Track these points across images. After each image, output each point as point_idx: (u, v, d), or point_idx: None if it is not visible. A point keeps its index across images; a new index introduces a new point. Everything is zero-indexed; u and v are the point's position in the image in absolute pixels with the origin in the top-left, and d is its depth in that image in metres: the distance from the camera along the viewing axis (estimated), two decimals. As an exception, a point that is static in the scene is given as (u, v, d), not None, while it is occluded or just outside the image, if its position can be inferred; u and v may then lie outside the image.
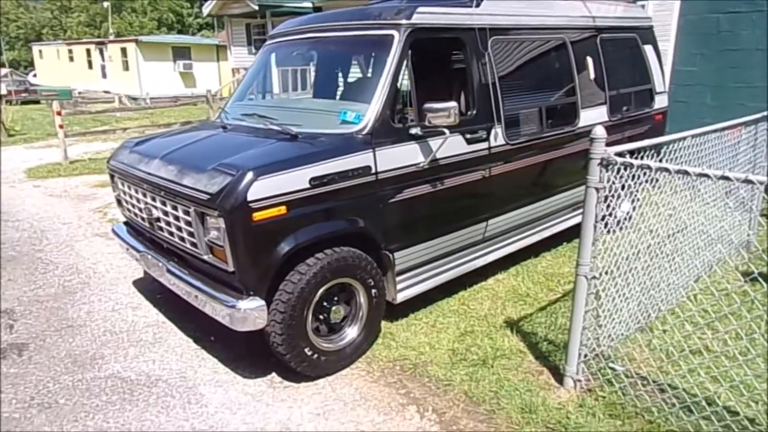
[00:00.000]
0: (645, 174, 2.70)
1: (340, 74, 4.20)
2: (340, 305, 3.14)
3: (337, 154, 2.97)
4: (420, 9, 3.36)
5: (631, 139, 5.22)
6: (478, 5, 3.76)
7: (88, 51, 28.28)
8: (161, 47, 25.27)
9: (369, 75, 3.65)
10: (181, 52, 25.64)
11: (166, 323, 3.80)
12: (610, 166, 2.45)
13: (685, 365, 2.89)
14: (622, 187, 5.46)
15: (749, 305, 3.32)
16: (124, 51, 25.21)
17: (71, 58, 29.11)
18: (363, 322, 3.22)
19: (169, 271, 3.22)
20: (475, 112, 3.66)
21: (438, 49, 3.61)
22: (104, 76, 27.13)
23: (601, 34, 4.83)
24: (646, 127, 5.47)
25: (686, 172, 2.38)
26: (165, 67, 24.93)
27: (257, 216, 2.68)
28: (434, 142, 3.34)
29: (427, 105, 3.14)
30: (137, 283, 4.48)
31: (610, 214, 4.91)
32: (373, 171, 3.11)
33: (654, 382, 2.79)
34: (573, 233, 4.95)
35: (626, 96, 5.13)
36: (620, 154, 2.51)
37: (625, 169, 2.58)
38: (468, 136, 3.58)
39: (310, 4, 16.00)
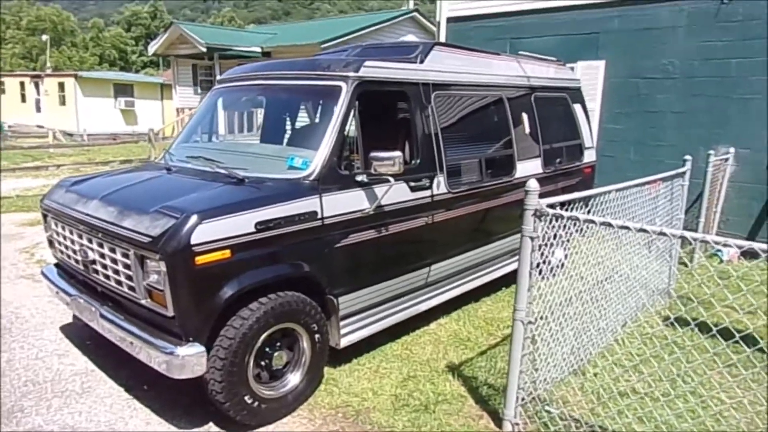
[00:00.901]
0: (574, 224, 2.90)
1: (287, 121, 4.29)
2: (282, 351, 3.10)
3: (284, 198, 3.01)
4: (367, 63, 3.53)
5: (564, 191, 5.60)
6: (422, 62, 3.99)
7: (22, 84, 27.16)
8: (102, 83, 24.64)
9: (317, 123, 3.76)
10: (123, 89, 25.08)
11: (95, 371, 3.60)
12: (543, 217, 2.62)
13: (614, 407, 3.04)
14: (554, 236, 5.78)
15: (669, 348, 3.55)
16: (61, 86, 24.38)
17: (2, 90, 27.82)
18: (306, 368, 3.19)
19: (102, 316, 3.09)
20: (418, 161, 3.82)
21: (383, 100, 3.77)
22: (38, 110, 26.04)
23: (535, 93, 5.20)
24: (576, 179, 5.85)
25: (609, 224, 2.59)
26: (105, 104, 24.25)
27: (200, 260, 2.65)
28: (379, 189, 3.44)
29: (373, 153, 3.26)
30: (65, 329, 4.24)
31: (545, 261, 5.16)
32: (320, 216, 3.16)
33: (586, 423, 2.90)
34: (511, 279, 5.16)
35: (558, 150, 5.49)
36: (552, 206, 2.69)
37: (556, 220, 2.76)
38: (412, 184, 3.72)
39: (258, 49, 16.23)
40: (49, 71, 28.74)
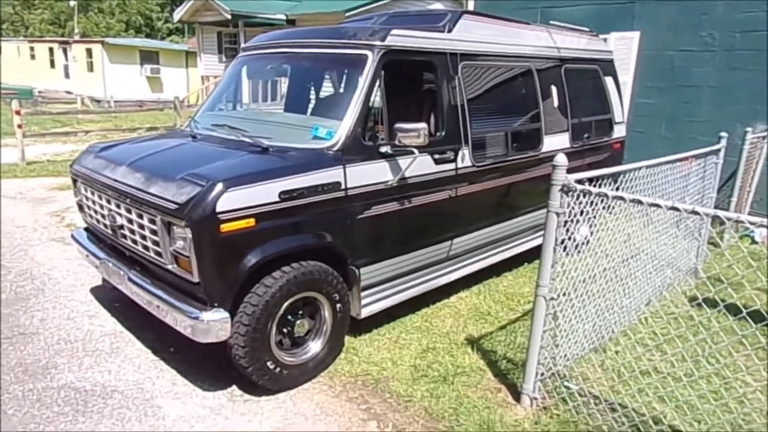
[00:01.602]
0: (602, 201, 2.84)
1: (312, 90, 4.26)
2: (304, 319, 3.15)
3: (308, 169, 3.01)
4: (394, 31, 3.46)
5: (590, 166, 5.43)
6: (450, 31, 3.90)
7: (51, 50, 27.45)
8: (128, 50, 24.76)
9: (342, 92, 3.71)
10: (148, 56, 25.18)
11: (123, 333, 3.72)
12: (571, 193, 2.56)
13: (635, 385, 3.02)
14: (581, 213, 5.69)
15: (695, 329, 3.50)
16: (89, 52, 24.58)
17: (33, 56, 28.18)
18: (327, 336, 3.24)
19: (130, 279, 3.17)
20: (443, 133, 3.77)
21: (409, 70, 3.70)
22: (67, 76, 26.35)
23: (566, 64, 5.04)
24: (605, 155, 5.71)
25: (639, 201, 2.52)
26: (131, 71, 24.41)
27: (225, 228, 2.68)
28: (403, 161, 3.41)
29: (398, 125, 3.22)
30: (95, 291, 4.37)
31: (569, 238, 5.10)
32: (343, 187, 3.16)
33: (606, 401, 2.90)
34: (533, 254, 5.12)
35: (587, 124, 5.35)
36: (580, 182, 2.64)
37: (584, 196, 2.71)
38: (436, 156, 3.68)
39: (283, 17, 16.05)
40: (76, 37, 28.97)
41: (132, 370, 3.26)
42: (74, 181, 3.78)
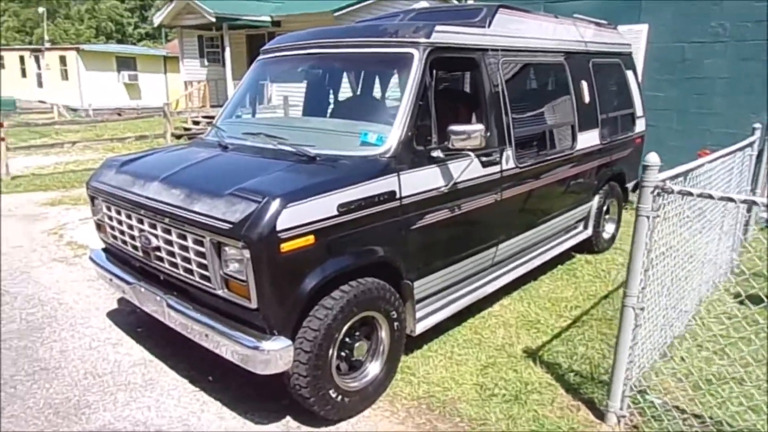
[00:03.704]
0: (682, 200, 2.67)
1: (351, 93, 4.00)
2: (362, 341, 2.91)
3: (364, 178, 2.77)
4: (438, 27, 3.24)
5: (616, 162, 5.35)
6: (489, 25, 3.69)
7: (22, 58, 26.52)
8: (104, 56, 24.00)
9: (388, 94, 3.48)
10: (125, 63, 24.45)
11: (153, 361, 3.43)
12: (664, 194, 2.38)
13: (716, 395, 2.86)
14: (607, 211, 5.51)
15: (754, 328, 3.35)
16: (63, 59, 23.77)
17: (2, 65, 27.19)
18: (385, 357, 3.01)
19: (170, 306, 2.88)
20: (489, 134, 3.56)
21: (454, 68, 3.50)
22: (40, 85, 25.48)
23: (593, 59, 4.89)
24: (629, 150, 5.60)
25: (731, 199, 2.35)
26: (108, 78, 23.67)
27: (285, 247, 2.43)
28: (455, 166, 3.20)
29: (452, 127, 3.01)
30: (112, 316, 4.06)
31: (599, 234, 4.91)
32: (398, 196, 2.93)
33: (694, 415, 2.72)
34: (564, 256, 4.97)
35: (614, 120, 5.22)
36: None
37: (662, 196, 2.51)
38: (483, 159, 3.47)
39: (268, 19, 15.69)
40: (48, 45, 28.05)
41: (173, 405, 2.98)
42: (92, 199, 3.47)
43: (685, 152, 7.26)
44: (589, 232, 5.11)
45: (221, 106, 16.56)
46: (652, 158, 2.35)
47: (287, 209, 2.43)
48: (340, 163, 2.88)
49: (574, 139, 4.50)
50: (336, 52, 3.52)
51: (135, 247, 3.11)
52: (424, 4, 16.36)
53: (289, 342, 2.52)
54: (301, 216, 2.48)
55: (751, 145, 4.69)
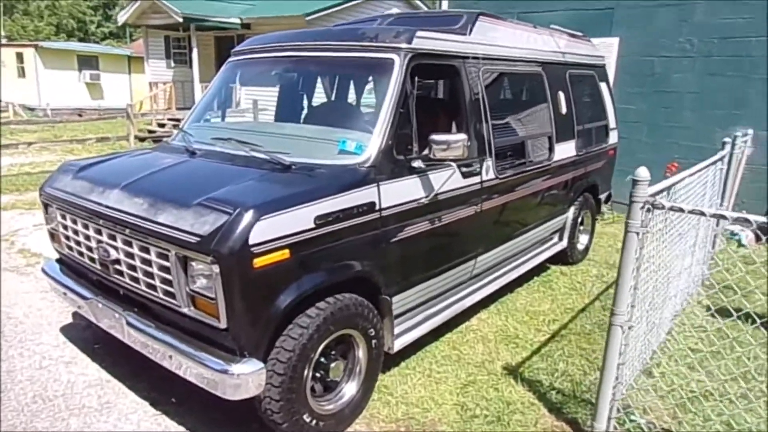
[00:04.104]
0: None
1: (327, 98, 3.84)
2: (338, 360, 2.75)
3: (343, 188, 2.62)
4: (419, 33, 3.13)
5: (591, 174, 5.36)
6: (470, 33, 3.61)
7: (-25, 54, 25.34)
8: (65, 54, 23.11)
9: (366, 101, 3.34)
10: (87, 61, 23.60)
11: (111, 382, 3.18)
12: (654, 210, 2.31)
13: (699, 413, 2.81)
14: (581, 222, 5.49)
15: (727, 342, 3.34)
16: (20, 56, 22.77)
17: (-47, 61, 25.91)
18: (362, 376, 2.85)
19: (129, 324, 2.66)
20: (470, 144, 3.46)
21: (435, 76, 3.39)
22: (-6, 82, 24.36)
23: (569, 70, 4.88)
24: (602, 162, 5.61)
25: (723, 217, 2.31)
26: (69, 77, 22.79)
27: (258, 262, 2.26)
28: (436, 176, 3.09)
29: (435, 137, 2.89)
30: (67, 331, 3.77)
31: (573, 246, 4.87)
32: (377, 208, 2.79)
33: (679, 434, 2.67)
34: (540, 267, 4.92)
35: (589, 131, 5.22)
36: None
37: (650, 211, 2.45)
38: (464, 169, 3.37)
39: (237, 21, 15.39)
40: (4, 41, 26.89)
41: (131, 430, 2.75)
42: (46, 206, 3.21)
43: (654, 165, 7.25)
44: (565, 243, 5.09)
45: (188, 108, 16.09)
46: (642, 173, 2.28)
47: (261, 222, 2.26)
48: (317, 172, 2.72)
49: (551, 150, 4.46)
50: (312, 55, 3.36)
51: (92, 260, 2.88)
52: (395, 11, 16.37)
53: (261, 365, 2.34)
54: (275, 229, 2.31)
55: (722, 159, 4.74)
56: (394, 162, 2.91)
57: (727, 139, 4.86)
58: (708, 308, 4.14)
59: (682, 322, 4.05)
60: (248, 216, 2.24)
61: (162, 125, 14.98)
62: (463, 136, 2.91)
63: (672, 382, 3.17)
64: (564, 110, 4.68)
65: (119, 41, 45.80)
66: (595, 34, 7.43)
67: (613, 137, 5.85)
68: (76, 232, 2.94)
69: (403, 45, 3.04)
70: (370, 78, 3.27)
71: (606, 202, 6.15)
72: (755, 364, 3.35)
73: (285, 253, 2.35)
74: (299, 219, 2.41)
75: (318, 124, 3.38)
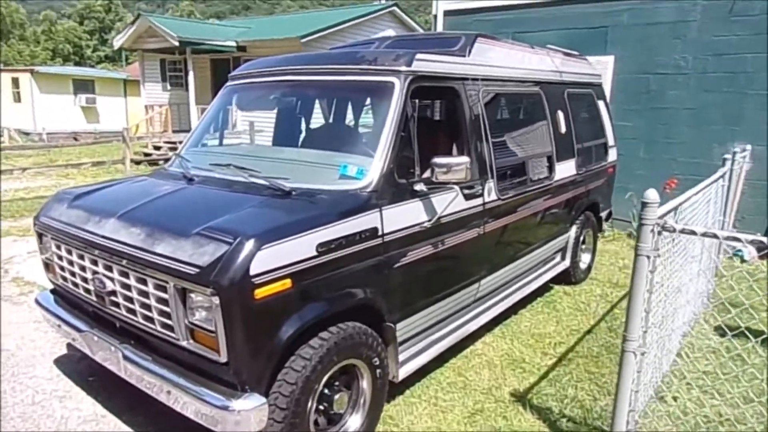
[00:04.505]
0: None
1: (326, 122, 3.81)
2: (342, 391, 2.66)
3: (345, 215, 2.57)
4: (419, 56, 3.10)
5: (591, 192, 5.32)
6: (468, 54, 3.60)
7: (-29, 80, 25.40)
8: (60, 79, 23.19)
9: (368, 124, 3.31)
10: (83, 85, 23.68)
11: (107, 417, 3.07)
12: (664, 233, 2.26)
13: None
14: (583, 241, 5.43)
15: (738, 364, 3.27)
16: (16, 81, 22.85)
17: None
18: (367, 407, 2.76)
19: (126, 358, 2.58)
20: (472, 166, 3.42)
21: (436, 98, 3.36)
22: (-10, 107, 24.38)
23: (567, 89, 4.87)
24: (602, 180, 5.59)
25: (736, 239, 2.25)
26: (64, 101, 22.83)
27: (260, 293, 2.19)
28: (438, 200, 3.04)
29: (437, 160, 2.85)
30: (61, 363, 3.67)
31: (576, 265, 4.81)
32: (380, 233, 2.73)
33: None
34: (543, 287, 4.85)
35: (589, 149, 5.20)
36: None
37: (660, 234, 2.40)
38: (466, 191, 3.32)
39: (233, 44, 15.50)
40: (1, 66, 26.99)
41: (128, 470, 2.65)
42: (40, 236, 3.14)
43: (652, 181, 7.34)
44: (567, 263, 5.03)
45: (184, 130, 16.11)
46: (652, 195, 2.23)
47: (262, 251, 2.19)
48: (318, 198, 2.67)
49: (552, 169, 4.43)
50: (311, 79, 3.33)
51: (88, 291, 2.80)
52: (390, 32, 16.53)
53: (264, 400, 2.26)
54: (277, 258, 2.25)
55: (723, 176, 4.72)
56: (395, 186, 2.86)
57: (727, 156, 4.84)
58: (716, 328, 4.10)
59: (690, 342, 3.98)
60: (249, 245, 2.18)
61: (158, 148, 14.96)
62: (465, 158, 2.87)
63: (686, 407, 3.08)
64: (563, 129, 4.67)
65: (115, 65, 46.12)
66: (590, 52, 7.47)
67: (612, 155, 5.84)
68: (71, 263, 2.87)
69: (403, 68, 3.01)
70: (370, 101, 3.24)
71: (607, 219, 6.11)
72: (768, 385, 3.28)
73: (286, 283, 2.28)
74: (301, 247, 2.35)
75: (318, 149, 3.33)
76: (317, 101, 3.81)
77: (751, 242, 2.03)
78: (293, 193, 2.70)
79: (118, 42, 16.23)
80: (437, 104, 3.49)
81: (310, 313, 2.38)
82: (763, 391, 3.22)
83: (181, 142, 14.48)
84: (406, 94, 2.97)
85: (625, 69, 7.37)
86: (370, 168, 2.79)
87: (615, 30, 7.38)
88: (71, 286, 2.95)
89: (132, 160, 10.55)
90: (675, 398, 3.21)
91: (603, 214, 5.79)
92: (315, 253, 2.39)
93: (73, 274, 2.89)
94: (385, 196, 2.78)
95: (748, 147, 6.52)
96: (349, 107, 3.81)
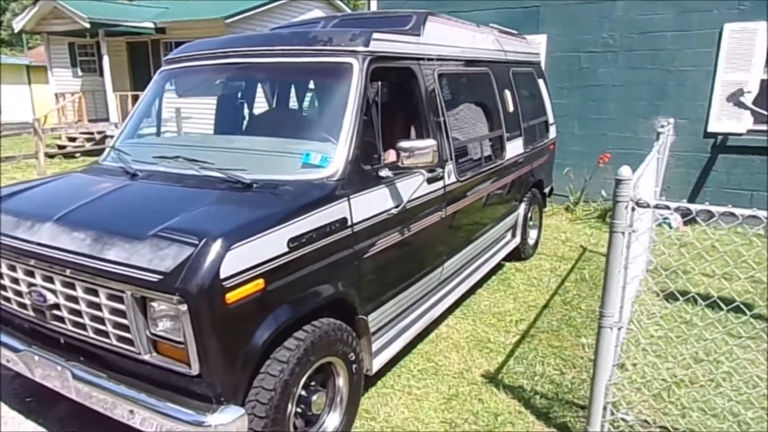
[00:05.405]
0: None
1: (278, 108, 3.58)
2: (320, 391, 2.54)
3: (313, 206, 2.42)
4: (376, 35, 2.97)
5: (537, 169, 5.43)
6: (422, 33, 3.50)
7: None
8: (-50, 66, 20.88)
9: (326, 109, 3.14)
10: (-22, 73, 21.44)
11: (52, 441, 2.78)
12: (640, 208, 2.29)
13: (676, 403, 2.87)
14: (531, 218, 5.54)
15: (685, 328, 3.46)
16: None
17: None
18: (344, 405, 2.66)
19: (76, 377, 2.31)
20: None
21: (393, 79, 3.24)
22: None
23: (512, 68, 4.90)
24: (545, 157, 5.72)
25: (710, 213, 2.32)
26: (-43, 90, 20.62)
27: (231, 297, 2.02)
28: (404, 185, 2.95)
29: (403, 144, 2.75)
30: (-9, 385, 3.28)
31: (525, 241, 4.91)
32: (349, 223, 2.61)
33: (662, 427, 2.69)
34: (496, 266, 4.91)
35: (533, 128, 5.29)
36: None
37: (634, 210, 2.44)
38: (428, 175, 3.25)
39: (151, 25, 14.49)
40: None
41: (86, 498, 2.40)
42: (-42, 247, 2.75)
43: (587, 157, 7.68)
44: (518, 240, 5.12)
45: (101, 120, 14.89)
46: (626, 172, 2.25)
47: (232, 251, 2.01)
48: (282, 189, 2.49)
49: (503, 148, 4.46)
50: (260, 61, 3.11)
51: (23, 306, 2.49)
52: (319, 12, 16.10)
53: (242, 411, 2.10)
54: (248, 258, 2.07)
55: (659, 149, 4.94)
56: (361, 173, 2.74)
57: (661, 129, 5.08)
58: (656, 294, 4.32)
59: (638, 310, 4.17)
60: (217, 246, 1.99)
61: (73, 139, 13.82)
62: (432, 141, 2.79)
63: (644, 373, 3.22)
64: (511, 108, 4.70)
65: (13, 50, 42.09)
66: (524, 31, 7.57)
67: (552, 132, 5.99)
68: (1, 276, 2.53)
69: (361, 48, 2.87)
70: (328, 84, 3.06)
71: (549, 195, 6.29)
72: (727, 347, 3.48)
73: (259, 284, 2.12)
74: (272, 244, 2.18)
75: (272, 136, 3.12)
76: (268, 85, 3.58)
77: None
78: (254, 185, 2.51)
79: (18, 24, 14.71)
80: (395, 86, 3.37)
81: (284, 314, 2.23)
82: (709, 351, 3.42)
83: (99, 132, 13.35)
84: (366, 75, 2.83)
85: (558, 48, 7.56)
86: (335, 155, 2.64)
87: (547, 9, 7.54)
88: (2, 300, 2.61)
89: (46, 154, 9.66)
90: (634, 365, 3.35)
91: (546, 190, 5.94)
92: (286, 249, 2.24)
93: (3, 288, 2.55)
94: (351, 184, 2.66)
95: (671, 120, 6.91)
96: (305, 91, 3.62)
